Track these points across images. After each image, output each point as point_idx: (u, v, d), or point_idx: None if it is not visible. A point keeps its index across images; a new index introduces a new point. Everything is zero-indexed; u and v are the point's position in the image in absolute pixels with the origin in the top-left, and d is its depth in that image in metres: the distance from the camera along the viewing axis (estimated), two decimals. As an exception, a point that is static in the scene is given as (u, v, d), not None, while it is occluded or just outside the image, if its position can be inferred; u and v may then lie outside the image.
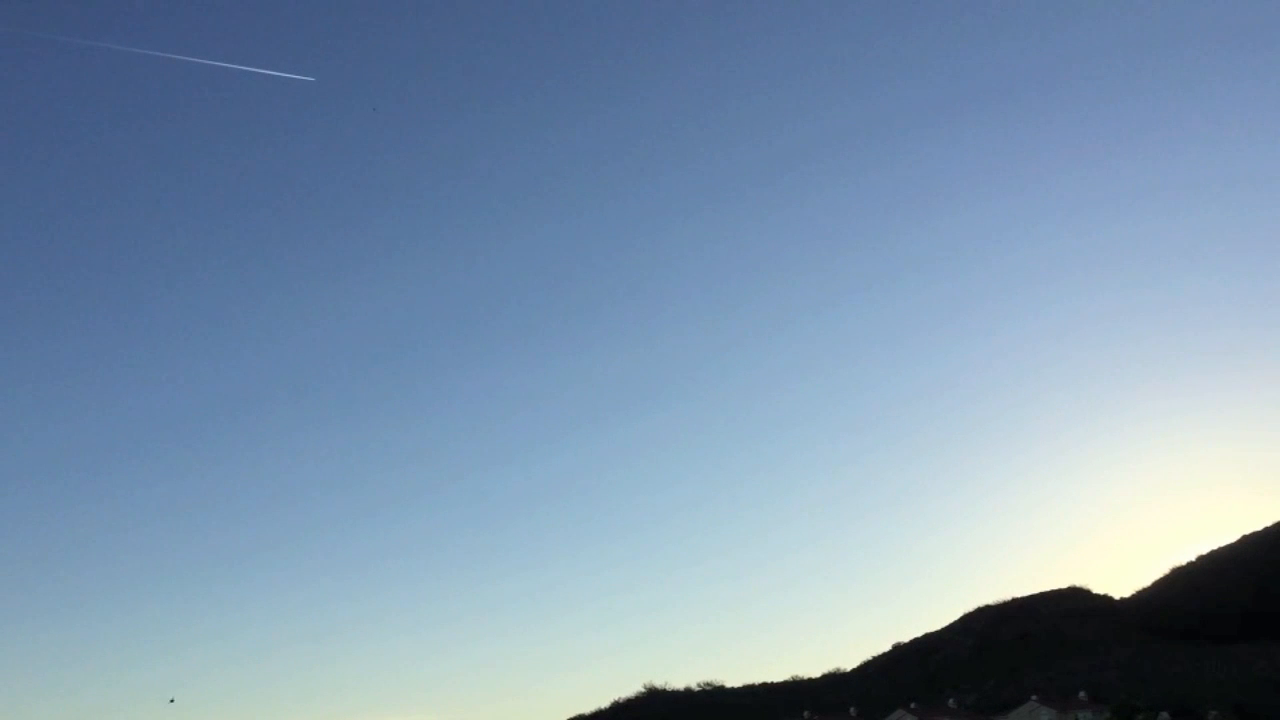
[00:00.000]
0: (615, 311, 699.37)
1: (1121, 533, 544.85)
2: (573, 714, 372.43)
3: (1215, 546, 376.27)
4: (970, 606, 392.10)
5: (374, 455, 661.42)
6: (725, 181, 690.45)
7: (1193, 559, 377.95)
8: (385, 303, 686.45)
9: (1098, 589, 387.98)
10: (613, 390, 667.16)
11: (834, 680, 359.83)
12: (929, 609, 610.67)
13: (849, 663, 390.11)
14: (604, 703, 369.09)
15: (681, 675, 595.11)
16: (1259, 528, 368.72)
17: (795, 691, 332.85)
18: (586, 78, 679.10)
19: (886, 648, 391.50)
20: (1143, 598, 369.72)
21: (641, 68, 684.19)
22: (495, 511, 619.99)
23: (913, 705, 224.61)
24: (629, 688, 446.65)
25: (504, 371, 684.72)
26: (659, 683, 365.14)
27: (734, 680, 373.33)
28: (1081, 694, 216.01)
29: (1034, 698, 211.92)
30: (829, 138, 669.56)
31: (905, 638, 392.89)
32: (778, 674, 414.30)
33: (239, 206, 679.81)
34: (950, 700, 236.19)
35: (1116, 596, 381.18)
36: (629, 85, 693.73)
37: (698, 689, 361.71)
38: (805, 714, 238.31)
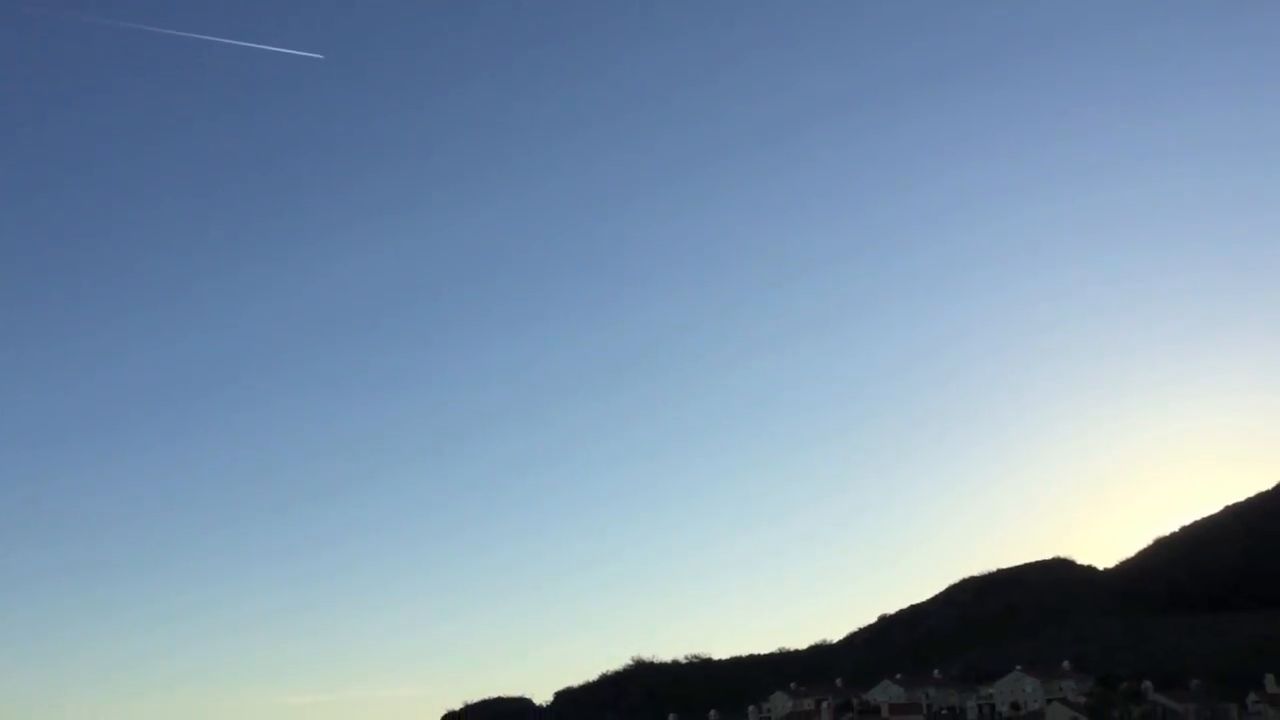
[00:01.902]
0: (601, 284, 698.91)
1: (1105, 504, 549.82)
2: (562, 686, 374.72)
3: (1197, 518, 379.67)
4: (955, 578, 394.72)
5: (359, 427, 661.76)
6: (699, 154, 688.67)
7: (1175, 530, 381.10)
8: (365, 273, 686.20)
9: (1082, 560, 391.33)
10: (597, 362, 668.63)
11: (821, 651, 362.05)
12: (914, 581, 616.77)
13: (835, 634, 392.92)
14: (592, 675, 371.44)
15: (669, 648, 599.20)
16: (1240, 499, 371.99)
17: (782, 663, 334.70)
18: (563, 54, 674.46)
19: (873, 619, 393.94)
20: (1126, 568, 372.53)
21: (610, 47, 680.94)
22: (481, 486, 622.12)
23: (898, 675, 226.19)
24: (617, 660, 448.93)
25: (486, 343, 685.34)
26: (646, 655, 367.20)
27: (721, 652, 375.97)
28: (1065, 663, 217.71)
29: (1018, 668, 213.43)
30: (807, 110, 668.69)
31: (891, 609, 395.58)
32: (765, 646, 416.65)
33: (239, 179, 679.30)
34: (935, 670, 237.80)
35: (1100, 567, 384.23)
36: (605, 63, 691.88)
37: (685, 661, 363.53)
38: (792, 685, 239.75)
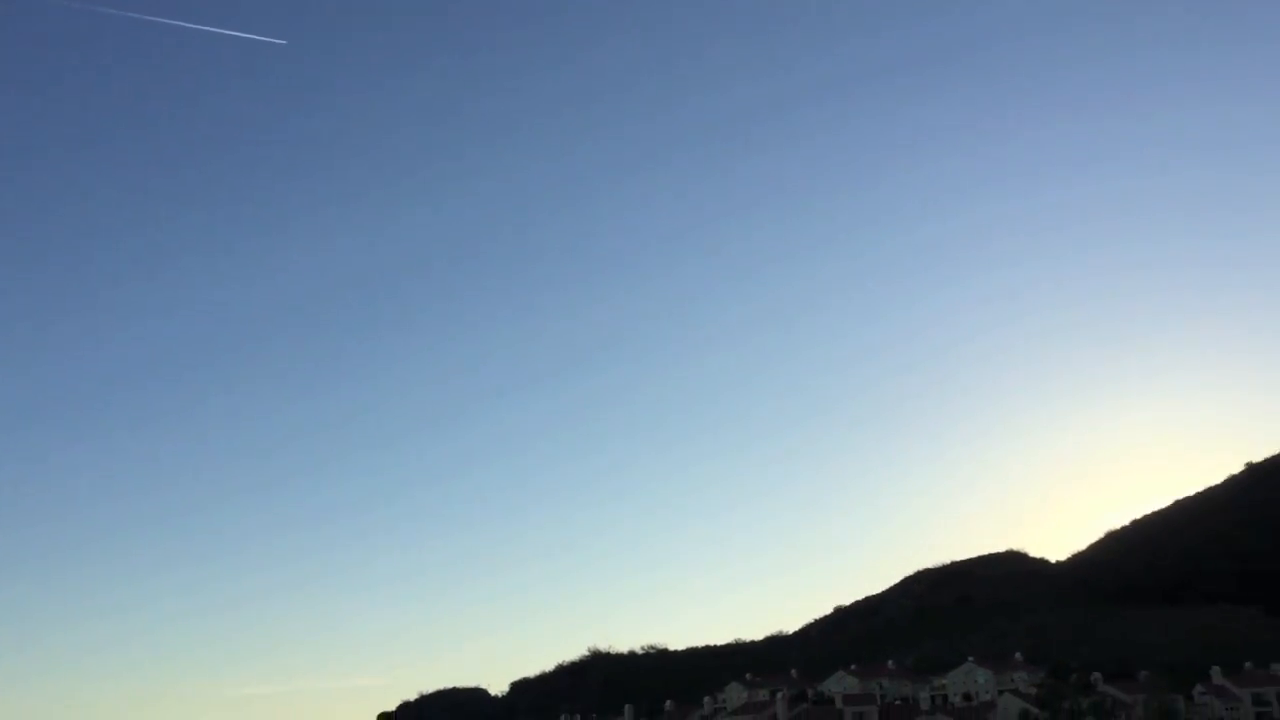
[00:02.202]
0: (561, 275, 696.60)
1: (1058, 498, 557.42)
2: (518, 677, 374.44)
3: (1147, 512, 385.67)
4: (910, 570, 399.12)
5: (316, 417, 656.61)
6: (665, 145, 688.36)
7: (1126, 524, 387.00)
8: (324, 262, 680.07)
9: (1035, 553, 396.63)
10: (558, 353, 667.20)
11: (777, 643, 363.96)
12: (870, 573, 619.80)
13: (791, 625, 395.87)
14: (549, 666, 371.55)
15: (626, 639, 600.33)
16: (1189, 494, 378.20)
17: (738, 654, 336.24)
18: (531, 43, 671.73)
19: (828, 610, 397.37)
20: (1078, 561, 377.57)
21: (578, 37, 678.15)
22: (439, 477, 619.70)
23: (853, 666, 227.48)
24: (574, 651, 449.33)
25: (446, 334, 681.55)
26: (603, 646, 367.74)
27: (678, 643, 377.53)
28: (1018, 655, 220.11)
29: (971, 659, 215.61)
30: (775, 102, 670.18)
31: (847, 601, 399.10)
32: (721, 637, 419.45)
33: (202, 164, 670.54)
34: (890, 662, 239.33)
35: (1052, 560, 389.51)
36: (573, 52, 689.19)
37: (641, 652, 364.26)
38: (747, 676, 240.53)
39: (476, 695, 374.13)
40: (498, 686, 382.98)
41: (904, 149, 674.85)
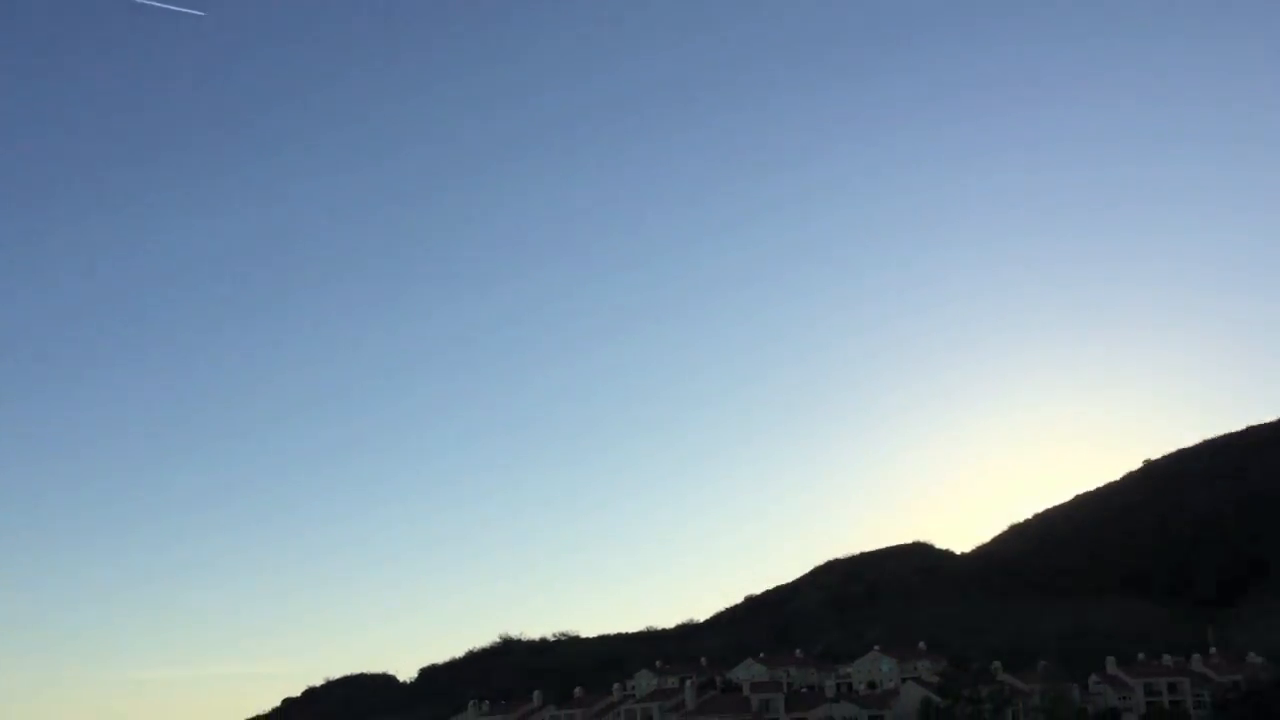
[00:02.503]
0: (452, 263, 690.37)
1: (965, 491, 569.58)
2: (427, 663, 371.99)
3: (1050, 505, 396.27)
4: (820, 561, 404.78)
5: (205, 391, 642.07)
6: (516, 142, 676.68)
7: (1029, 517, 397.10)
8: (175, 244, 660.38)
9: (941, 545, 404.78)
10: (457, 334, 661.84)
11: (687, 631, 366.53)
12: (781, 563, 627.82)
13: (703, 614, 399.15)
14: (459, 652, 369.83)
15: (537, 625, 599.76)
16: (1090, 488, 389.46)
17: (649, 641, 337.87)
18: (399, 25, 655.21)
19: (739, 600, 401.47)
20: (982, 553, 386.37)
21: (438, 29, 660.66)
22: (349, 456, 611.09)
23: (762, 655, 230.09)
24: (485, 637, 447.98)
25: (348, 310, 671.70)
26: (514, 632, 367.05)
27: (589, 630, 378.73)
28: (922, 644, 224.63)
29: (876, 648, 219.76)
30: (633, 96, 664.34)
31: (758, 590, 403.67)
32: (633, 625, 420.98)
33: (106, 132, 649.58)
34: (798, 650, 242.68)
35: (958, 551, 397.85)
36: (432, 37, 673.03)
37: (553, 638, 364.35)
38: (657, 663, 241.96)
39: (384, 681, 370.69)
40: (406, 672, 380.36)
41: (777, 147, 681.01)
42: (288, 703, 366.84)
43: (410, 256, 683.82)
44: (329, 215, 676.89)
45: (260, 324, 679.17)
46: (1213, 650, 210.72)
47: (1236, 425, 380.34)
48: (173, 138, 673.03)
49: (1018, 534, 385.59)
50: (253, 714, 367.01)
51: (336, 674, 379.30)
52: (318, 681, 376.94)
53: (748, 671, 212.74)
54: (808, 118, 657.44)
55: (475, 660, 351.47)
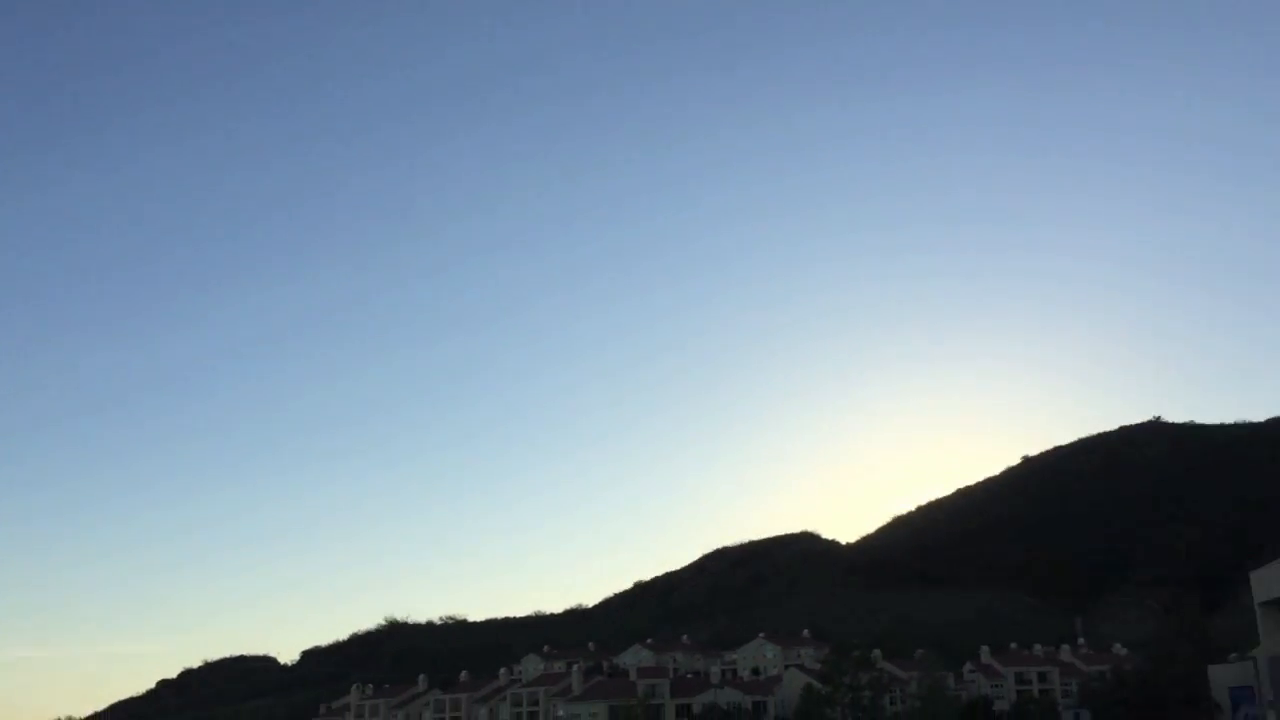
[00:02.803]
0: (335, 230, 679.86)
1: (852, 483, 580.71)
2: (310, 645, 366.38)
3: (932, 498, 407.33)
4: (709, 548, 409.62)
5: (71, 359, 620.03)
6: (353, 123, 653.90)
7: (912, 509, 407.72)
8: None
9: (827, 535, 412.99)
10: (380, 298, 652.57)
11: (576, 616, 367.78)
12: (670, 550, 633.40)
13: (591, 599, 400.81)
14: (342, 635, 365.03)
15: (424, 609, 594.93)
16: (971, 482, 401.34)
17: (537, 626, 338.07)
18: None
19: (628, 586, 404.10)
20: (866, 543, 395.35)
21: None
22: (231, 430, 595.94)
23: (649, 641, 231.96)
24: (369, 620, 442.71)
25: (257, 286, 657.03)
26: (400, 615, 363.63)
27: (477, 615, 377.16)
28: (805, 632, 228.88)
29: (761, 635, 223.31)
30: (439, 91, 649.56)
31: (647, 576, 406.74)
32: (521, 609, 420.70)
33: None
34: (685, 636, 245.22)
35: (843, 542, 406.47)
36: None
37: (440, 622, 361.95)
38: (545, 648, 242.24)
39: (265, 663, 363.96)
40: (288, 654, 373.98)
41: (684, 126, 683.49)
42: (162, 684, 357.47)
43: (281, 231, 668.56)
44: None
45: (141, 303, 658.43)
46: (1081, 641, 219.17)
47: (1110, 425, 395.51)
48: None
49: (901, 525, 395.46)
50: (125, 696, 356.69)
51: (215, 656, 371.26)
52: (195, 663, 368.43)
53: (635, 657, 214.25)
54: (666, 109, 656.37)
55: (359, 643, 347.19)
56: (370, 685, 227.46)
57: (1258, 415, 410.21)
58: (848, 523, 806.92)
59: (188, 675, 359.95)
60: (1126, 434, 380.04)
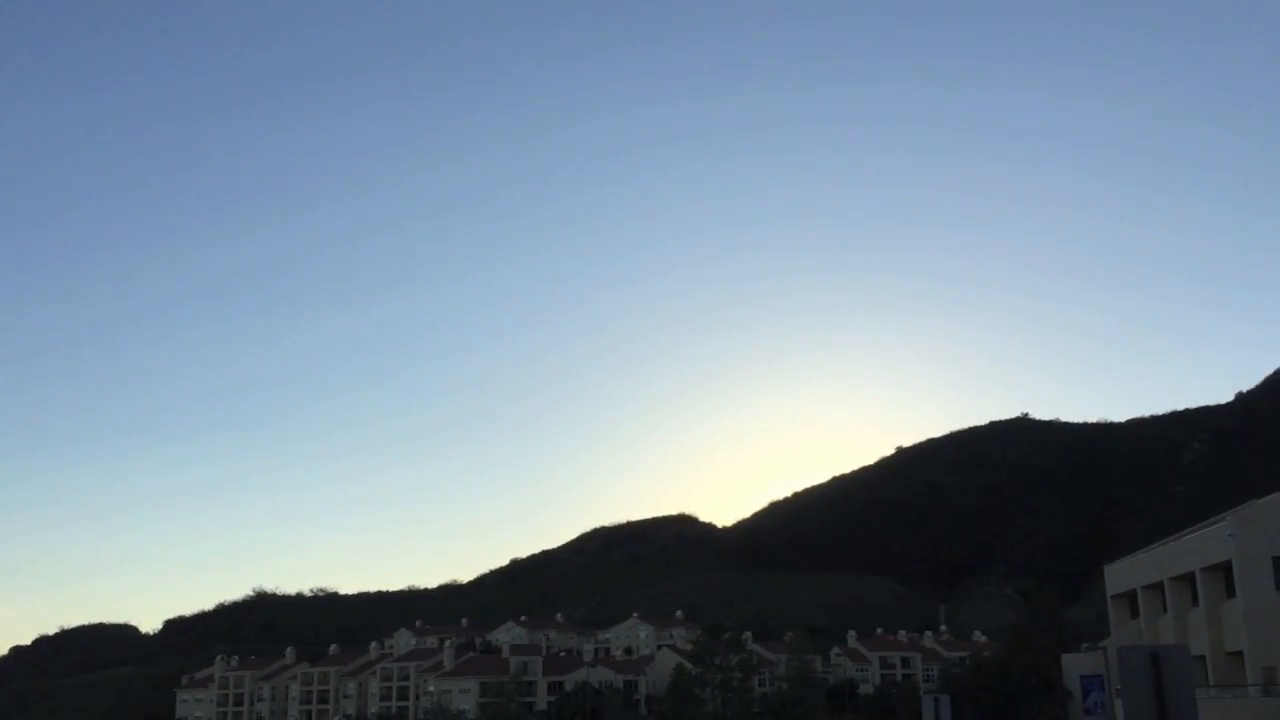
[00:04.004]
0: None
1: (730, 468, 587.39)
2: (172, 615, 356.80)
3: (808, 485, 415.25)
4: (586, 528, 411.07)
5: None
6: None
7: (788, 495, 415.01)
8: None
9: (704, 518, 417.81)
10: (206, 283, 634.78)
11: (450, 592, 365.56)
12: (547, 528, 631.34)
13: (466, 575, 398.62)
14: (207, 605, 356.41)
15: (293, 581, 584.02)
16: (846, 471, 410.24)
17: (410, 601, 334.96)
18: None
19: (504, 563, 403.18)
20: (742, 528, 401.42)
21: None
22: (89, 394, 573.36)
23: (523, 619, 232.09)
24: (236, 591, 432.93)
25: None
26: (268, 587, 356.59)
27: (349, 588, 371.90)
28: (679, 613, 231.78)
29: (635, 615, 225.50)
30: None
31: (522, 554, 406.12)
32: (394, 584, 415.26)
33: None
34: (559, 614, 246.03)
35: (719, 525, 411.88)
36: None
37: (310, 594, 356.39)
38: (417, 623, 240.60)
39: (124, 632, 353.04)
40: (149, 623, 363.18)
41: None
42: (16, 651, 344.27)
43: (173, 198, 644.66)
44: None
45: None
46: (943, 628, 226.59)
47: (981, 420, 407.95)
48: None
49: (777, 510, 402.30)
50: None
51: (72, 623, 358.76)
52: (51, 630, 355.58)
53: (508, 634, 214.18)
54: (540, 99, 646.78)
55: (225, 613, 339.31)
56: (235, 657, 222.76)
57: (1119, 416, 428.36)
58: (725, 507, 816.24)
59: (42, 642, 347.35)
60: (996, 429, 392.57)
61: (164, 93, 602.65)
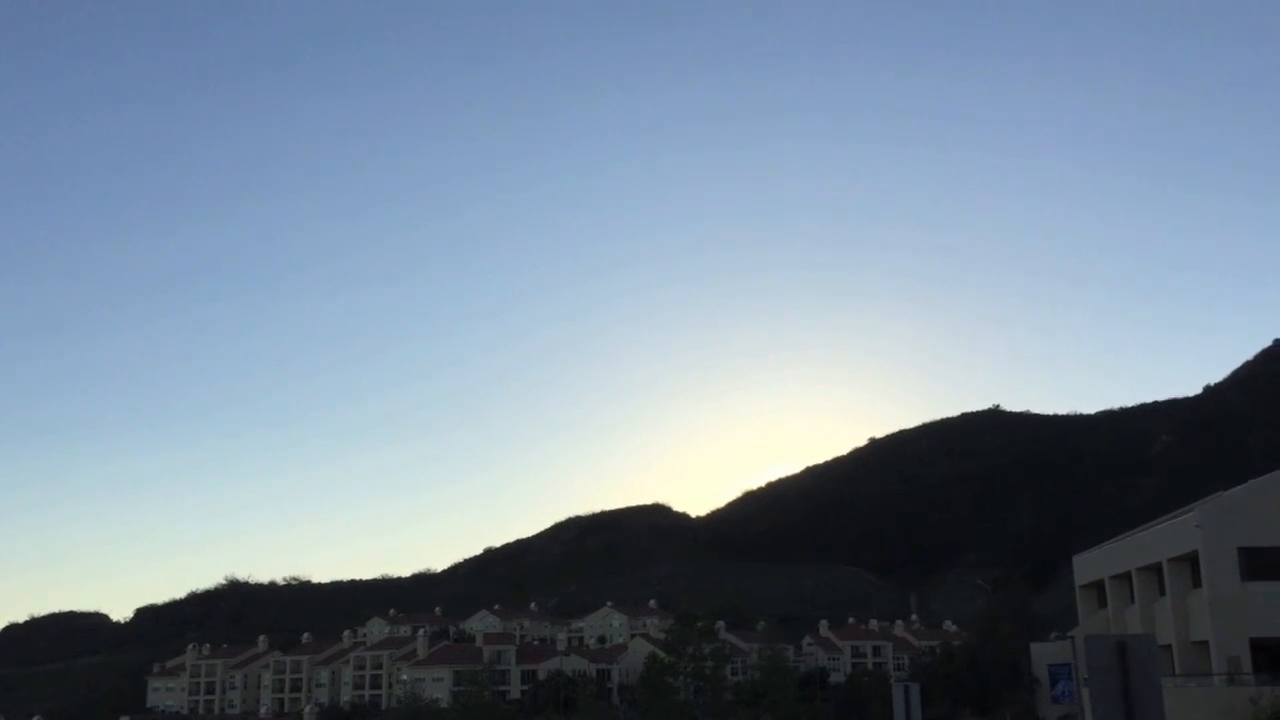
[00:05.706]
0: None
1: (704, 457, 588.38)
2: (144, 603, 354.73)
3: (781, 475, 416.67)
4: (560, 517, 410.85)
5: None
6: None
7: (762, 485, 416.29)
8: None
9: (678, 507, 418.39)
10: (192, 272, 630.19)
11: (424, 580, 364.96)
12: (521, 516, 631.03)
13: (440, 564, 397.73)
14: (179, 593, 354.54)
15: (266, 568, 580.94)
16: (819, 461, 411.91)
17: (384, 590, 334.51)
18: None
19: (478, 551, 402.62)
20: (716, 517, 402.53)
21: None
22: (62, 382, 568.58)
23: (497, 607, 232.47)
24: (208, 579, 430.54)
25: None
26: (242, 574, 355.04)
27: (322, 576, 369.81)
28: (652, 602, 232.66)
29: (609, 604, 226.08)
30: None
31: (497, 543, 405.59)
32: (368, 572, 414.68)
33: None
34: (533, 603, 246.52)
35: (693, 515, 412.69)
36: None
37: (283, 583, 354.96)
38: (391, 611, 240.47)
39: (95, 620, 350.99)
40: (121, 612, 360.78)
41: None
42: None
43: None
44: None
45: None
46: (914, 617, 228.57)
47: (953, 412, 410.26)
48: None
49: (750, 501, 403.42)
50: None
51: (42, 611, 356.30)
52: (20, 618, 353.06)
53: (482, 623, 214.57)
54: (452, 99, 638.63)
55: (197, 601, 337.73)
56: (207, 645, 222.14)
57: (1089, 408, 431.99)
58: (698, 497, 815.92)
59: (12, 630, 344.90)
60: (968, 420, 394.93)
61: (144, 74, 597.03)
